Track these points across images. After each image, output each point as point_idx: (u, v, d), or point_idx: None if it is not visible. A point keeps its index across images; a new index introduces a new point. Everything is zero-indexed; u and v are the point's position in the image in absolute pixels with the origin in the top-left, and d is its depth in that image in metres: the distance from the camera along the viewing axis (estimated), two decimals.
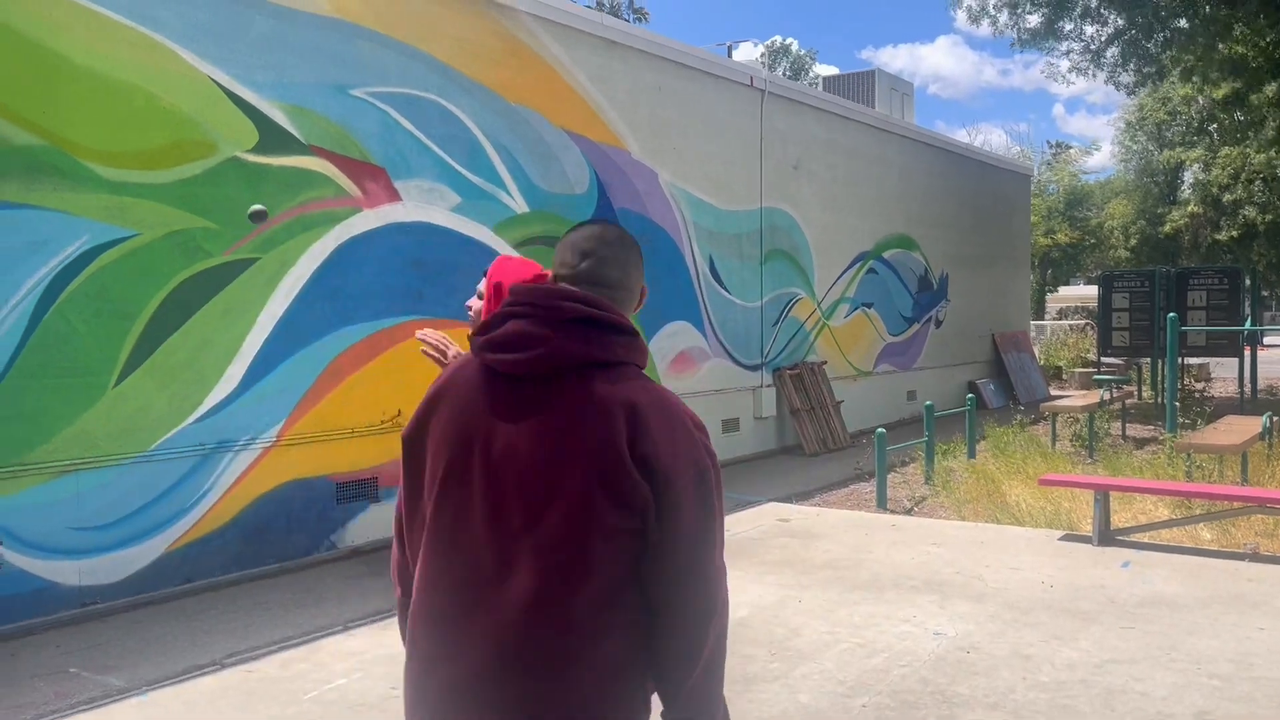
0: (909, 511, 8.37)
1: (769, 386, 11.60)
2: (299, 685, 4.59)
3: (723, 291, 10.89)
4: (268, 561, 6.58)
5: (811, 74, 44.04)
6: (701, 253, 10.56)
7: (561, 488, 1.79)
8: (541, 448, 1.81)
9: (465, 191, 7.87)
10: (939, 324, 15.65)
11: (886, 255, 14.14)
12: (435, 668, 1.84)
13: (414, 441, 1.95)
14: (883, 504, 8.49)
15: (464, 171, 7.85)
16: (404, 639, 1.96)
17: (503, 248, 8.05)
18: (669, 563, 1.81)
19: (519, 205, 8.36)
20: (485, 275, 2.70)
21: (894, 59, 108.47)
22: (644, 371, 1.96)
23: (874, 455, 8.72)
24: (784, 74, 40.05)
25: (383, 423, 7.25)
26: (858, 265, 13.44)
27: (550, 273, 2.05)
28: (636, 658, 1.83)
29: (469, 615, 1.82)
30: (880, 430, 8.86)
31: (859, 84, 16.06)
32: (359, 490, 7.14)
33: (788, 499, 8.91)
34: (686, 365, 10.37)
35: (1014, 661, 4.70)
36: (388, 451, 7.23)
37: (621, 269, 2.02)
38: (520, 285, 1.95)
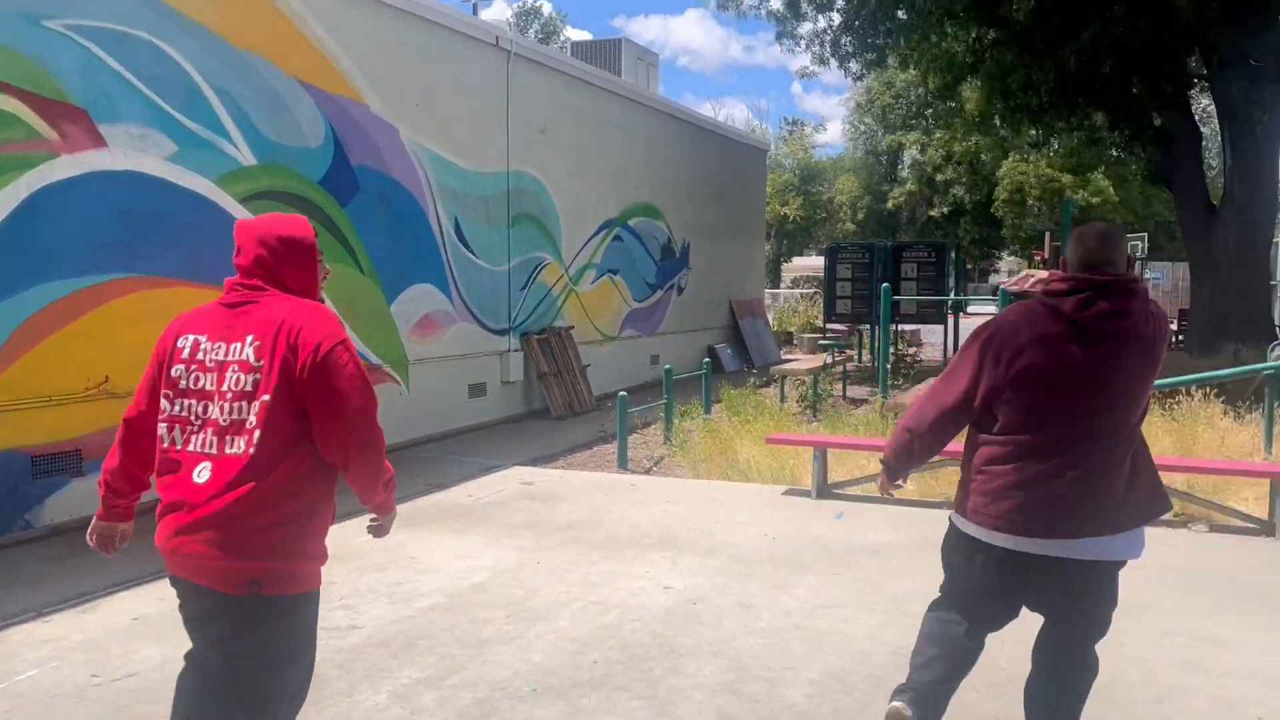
0: (648, 471, 8.65)
1: (516, 351, 11.59)
2: None
3: (469, 255, 10.74)
4: None
5: (562, 38, 44.08)
6: (447, 214, 10.36)
7: None
8: None
9: (182, 139, 7.29)
10: (681, 291, 16.20)
11: (632, 223, 14.45)
12: None
13: None
14: (624, 465, 8.72)
15: (181, 118, 7.27)
16: None
17: (226, 201, 7.54)
18: None
19: (245, 157, 7.84)
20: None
21: (646, 29, 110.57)
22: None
23: (616, 418, 8.93)
24: (535, 36, 39.75)
25: (87, 390, 6.63)
26: (604, 232, 13.65)
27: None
28: None
29: None
30: (622, 394, 9.07)
31: (606, 51, 16.24)
32: (59, 464, 6.50)
33: (533, 462, 8.97)
34: (431, 329, 10.17)
35: (736, 611, 4.97)
36: (94, 420, 6.63)
37: None
38: None
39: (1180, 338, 17.12)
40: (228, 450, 2.51)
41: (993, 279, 47.36)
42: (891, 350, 14.30)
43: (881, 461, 3.50)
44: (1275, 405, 8.23)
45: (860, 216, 39.43)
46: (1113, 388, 2.98)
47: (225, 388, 2.55)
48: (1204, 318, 14.32)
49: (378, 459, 2.64)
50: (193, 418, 2.58)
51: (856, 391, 13.66)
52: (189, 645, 2.68)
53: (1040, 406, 2.99)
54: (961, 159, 33.03)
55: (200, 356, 2.60)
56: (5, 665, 4.30)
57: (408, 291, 9.81)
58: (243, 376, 2.54)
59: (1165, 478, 7.15)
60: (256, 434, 2.50)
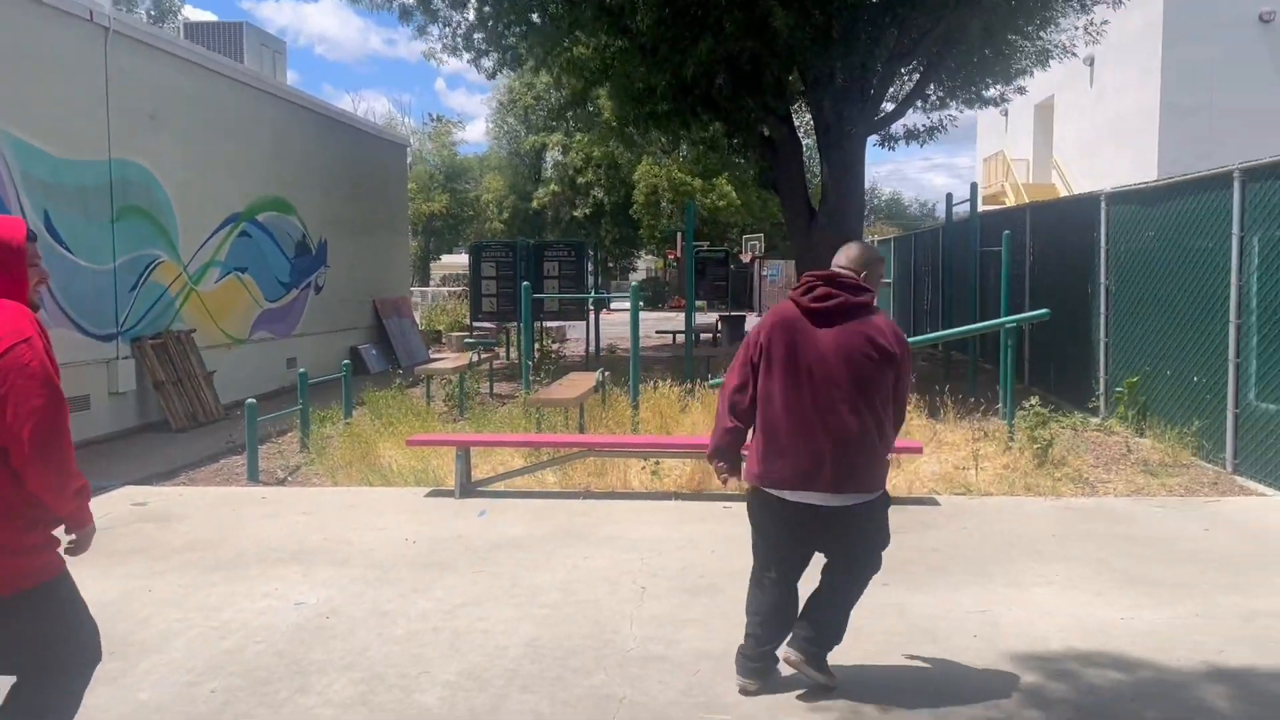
0: (282, 482, 8.19)
1: (127, 358, 10.51)
2: None
3: (64, 252, 9.57)
4: None
5: (180, 18, 40.60)
6: (34, 206, 9.17)
7: None
8: None
9: None
10: (319, 290, 15.51)
11: (260, 218, 13.60)
12: None
13: None
14: (254, 477, 8.19)
15: None
16: None
17: None
18: None
19: None
20: None
21: (278, 14, 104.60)
22: None
23: (245, 427, 8.36)
24: (148, 15, 36.33)
25: None
26: (229, 227, 12.73)
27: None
28: None
29: None
30: (251, 401, 8.51)
31: (226, 35, 15.16)
32: None
33: (148, 480, 8.18)
34: None
35: (371, 620, 4.83)
36: None
37: None
38: None
39: None
40: None
41: (633, 277, 49.87)
42: (536, 347, 14.60)
43: (708, 458, 4.21)
44: None
45: (506, 215, 39.88)
46: (831, 361, 3.81)
47: None
48: None
49: (60, 464, 2.66)
50: None
51: (503, 388, 13.80)
52: None
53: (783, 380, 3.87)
54: (600, 162, 34.39)
55: None
56: None
57: None
58: None
59: None
60: None
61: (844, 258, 4.05)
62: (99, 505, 7.24)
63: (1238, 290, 7.67)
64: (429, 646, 4.50)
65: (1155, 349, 9.14)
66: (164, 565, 5.74)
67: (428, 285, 39.72)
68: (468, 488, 7.60)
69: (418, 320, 22.00)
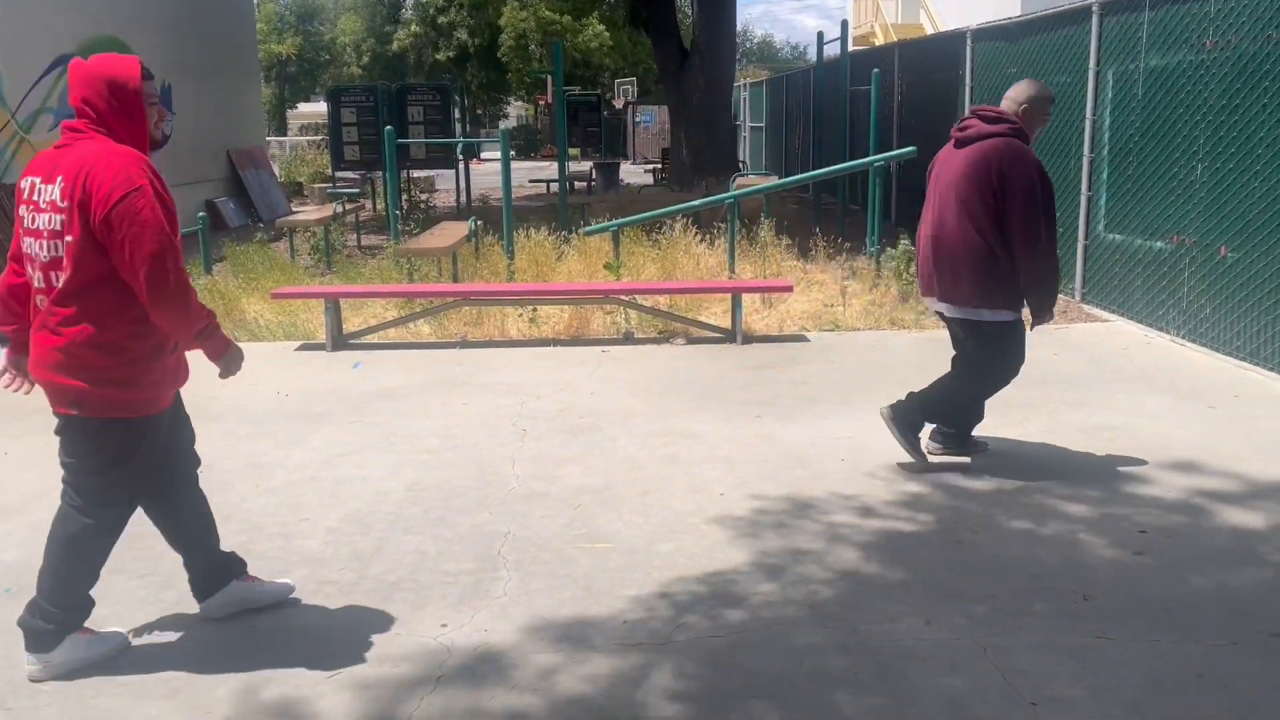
0: None
1: None
2: None
3: None
4: None
5: None
6: None
7: None
8: None
9: None
10: (165, 139, 14.52)
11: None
12: None
13: None
14: None
15: None
16: None
17: None
18: None
19: None
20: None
21: None
22: None
23: None
24: None
25: None
26: (59, 69, 11.70)
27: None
28: None
29: None
30: None
31: None
32: None
33: None
34: None
35: (247, 472, 4.76)
36: None
37: None
38: None
39: (664, 174, 18.84)
40: (54, 284, 2.81)
41: (503, 124, 48.42)
42: (404, 197, 14.14)
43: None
44: (736, 230, 9.41)
45: (365, 60, 37.91)
46: (947, 179, 4.40)
47: (44, 226, 2.80)
48: (681, 155, 15.85)
49: (179, 304, 2.81)
50: (33, 255, 2.85)
51: (371, 240, 13.39)
52: None
53: None
54: (463, 1, 32.79)
55: (34, 197, 2.83)
56: None
57: None
58: (53, 216, 2.78)
59: (651, 299, 7.90)
60: (68, 272, 2.78)
61: (1010, 93, 4.43)
62: None
63: (1091, 125, 7.94)
64: (308, 495, 4.47)
65: None
66: (19, 427, 5.49)
67: (286, 135, 37.74)
68: (339, 341, 7.44)
69: (277, 172, 20.96)
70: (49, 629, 2.99)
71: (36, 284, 2.86)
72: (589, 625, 3.27)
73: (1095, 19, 7.79)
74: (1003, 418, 5.35)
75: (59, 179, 2.76)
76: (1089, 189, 8.04)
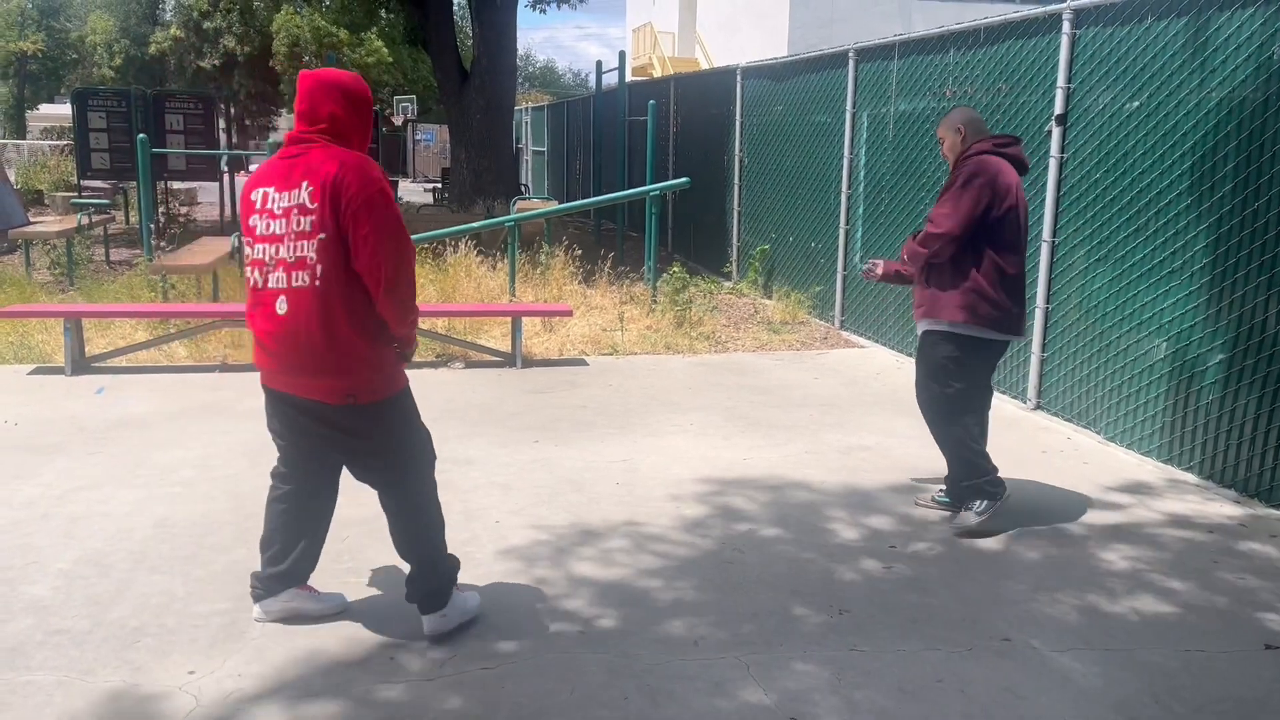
0: None
1: None
2: None
3: None
4: None
5: None
6: None
7: None
8: None
9: None
10: None
11: None
12: None
13: None
14: None
15: None
16: None
17: None
18: None
19: None
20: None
21: None
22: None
23: None
24: None
25: None
26: None
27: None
28: None
29: None
30: None
31: None
32: None
33: None
34: None
35: None
36: None
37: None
38: None
39: (444, 194, 18.54)
40: (294, 284, 2.97)
41: (273, 136, 46.28)
42: (161, 210, 13.23)
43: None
44: (517, 253, 9.38)
45: (119, 62, 35.30)
46: None
47: (289, 229, 2.97)
48: (462, 176, 15.68)
49: (406, 298, 3.02)
50: (267, 259, 3.01)
51: (121, 255, 12.43)
52: None
53: None
54: (231, 6, 31.19)
55: (269, 205, 3.01)
56: None
57: None
58: (301, 219, 2.95)
59: (428, 322, 7.75)
60: (319, 269, 2.95)
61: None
62: None
63: (849, 163, 8.47)
64: (37, 535, 4.05)
65: (781, 218, 9.94)
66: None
67: (24, 139, 34.50)
68: (80, 364, 6.84)
69: (12, 178, 19.09)
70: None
71: (273, 284, 3.00)
72: (352, 666, 3.13)
73: (851, 64, 8.34)
74: (768, 439, 5.58)
75: (304, 184, 2.94)
76: (847, 222, 8.57)
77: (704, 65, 25.51)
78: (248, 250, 3.07)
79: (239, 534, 4.11)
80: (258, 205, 3.04)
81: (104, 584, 3.64)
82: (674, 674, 3.11)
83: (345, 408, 3.07)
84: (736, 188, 10.99)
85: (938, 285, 4.25)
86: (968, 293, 4.17)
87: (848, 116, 8.42)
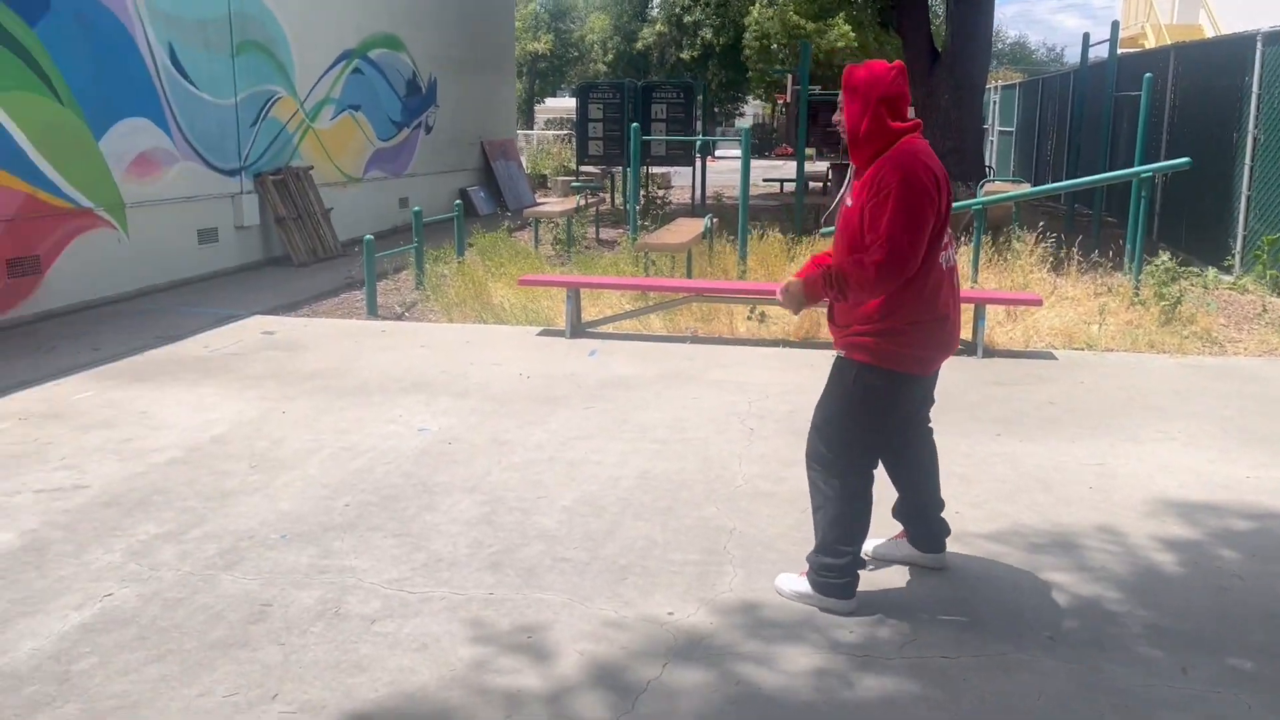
0: (400, 317, 8.45)
1: (250, 193, 10.81)
2: None
3: (189, 86, 9.76)
4: None
5: None
6: (159, 39, 9.31)
7: None
8: None
9: None
10: (429, 130, 15.55)
11: (372, 55, 13.58)
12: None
13: None
14: (373, 311, 8.47)
15: None
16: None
17: None
18: None
19: None
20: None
21: None
22: None
23: (364, 263, 8.60)
24: None
25: None
26: (342, 64, 12.76)
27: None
28: None
29: None
30: (369, 237, 8.72)
31: None
32: None
33: (274, 311, 8.53)
34: (149, 169, 9.26)
35: (491, 448, 5.03)
36: None
37: None
38: None
39: None
40: (952, 263, 3.38)
41: (739, 123, 48.56)
42: (642, 192, 14.48)
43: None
44: (982, 238, 9.04)
45: (610, 57, 39.00)
46: None
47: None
48: None
49: (884, 283, 3.07)
50: (948, 239, 3.32)
51: (609, 233, 13.81)
52: None
53: None
54: (710, 1, 33.10)
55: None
56: None
57: (118, 127, 8.84)
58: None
59: None
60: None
61: None
62: (232, 333, 7.62)
63: None
64: (545, 474, 4.68)
65: None
66: (294, 390, 6.05)
67: (532, 129, 39.43)
68: (577, 328, 7.72)
69: (524, 164, 21.96)
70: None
71: (947, 264, 3.27)
72: (813, 629, 3.25)
73: None
74: (1278, 457, 4.87)
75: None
76: None
77: (1208, 32, 22.58)
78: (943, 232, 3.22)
79: (707, 493, 4.43)
80: (946, 188, 3.19)
81: (598, 523, 4.12)
82: (1158, 700, 2.86)
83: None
84: (1246, 170, 9.65)
85: None
86: None
87: None
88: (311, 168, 11.90)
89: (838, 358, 3.36)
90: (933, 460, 3.65)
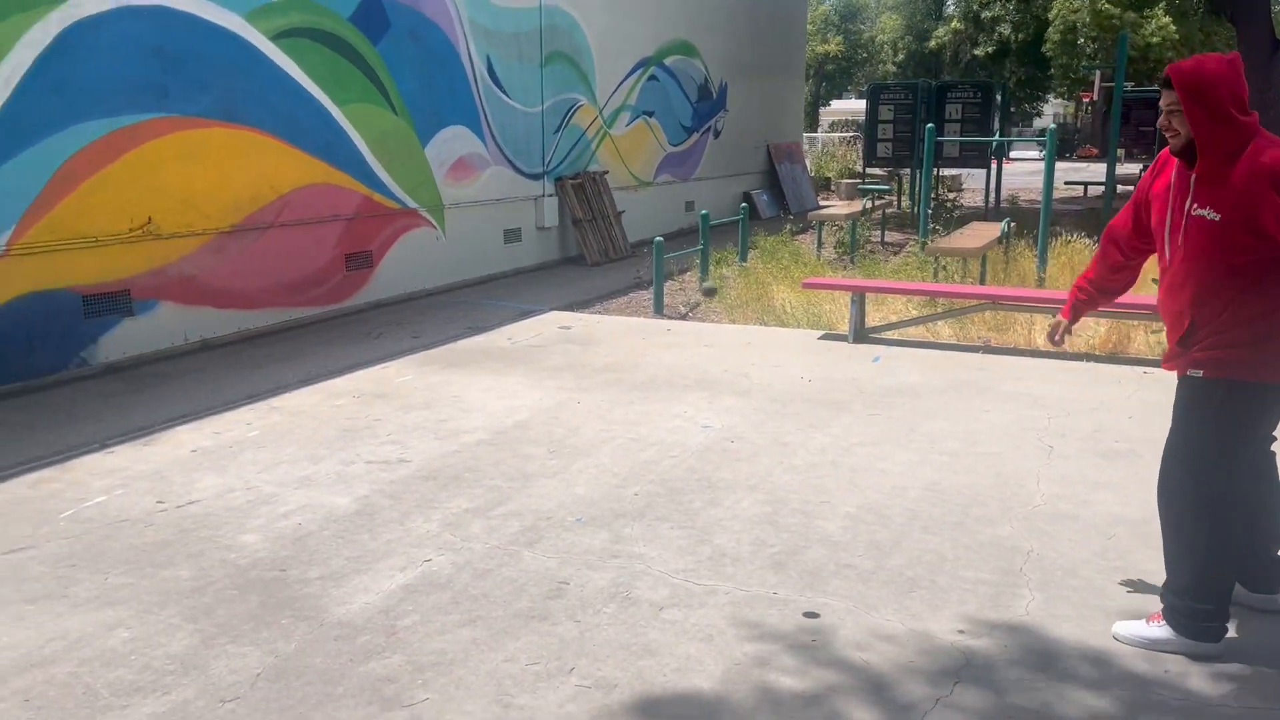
0: (684, 317, 8.68)
1: (551, 196, 11.49)
2: (53, 504, 4.35)
3: (502, 95, 10.51)
4: (8, 380, 6.09)
5: None
6: (479, 52, 10.10)
7: None
8: None
9: None
10: (718, 134, 15.84)
11: (668, 62, 14.02)
12: None
13: None
14: (660, 310, 8.75)
15: None
16: None
17: (257, 39, 7.37)
18: None
19: None
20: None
21: None
22: None
23: (653, 264, 8.91)
24: None
25: (131, 230, 6.68)
26: (639, 72, 13.27)
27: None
28: None
29: None
30: (658, 239, 9.02)
31: None
32: (109, 304, 6.62)
33: (569, 307, 9.02)
34: (465, 173, 10.07)
35: (773, 449, 5.06)
36: (141, 261, 6.72)
37: None
38: None
39: None
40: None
41: (1037, 123, 45.83)
42: (932, 195, 14.02)
43: None
44: None
45: (900, 58, 38.01)
46: None
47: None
48: None
49: None
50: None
51: (895, 237, 13.49)
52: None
53: None
54: None
55: None
56: (74, 492, 4.50)
57: (441, 134, 9.67)
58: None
59: None
60: None
61: None
62: (533, 326, 8.14)
63: None
64: (828, 478, 4.65)
65: None
66: (588, 382, 6.37)
67: (816, 132, 39.16)
68: (860, 333, 7.61)
69: (809, 167, 21.88)
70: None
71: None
72: (1119, 665, 3.03)
73: None
74: None
75: None
76: None
77: None
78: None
79: (1002, 511, 4.24)
80: None
81: (883, 532, 4.05)
82: None
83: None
84: None
85: None
86: None
87: None
88: (606, 172, 12.46)
89: (1189, 378, 3.07)
90: (1273, 488, 3.28)
